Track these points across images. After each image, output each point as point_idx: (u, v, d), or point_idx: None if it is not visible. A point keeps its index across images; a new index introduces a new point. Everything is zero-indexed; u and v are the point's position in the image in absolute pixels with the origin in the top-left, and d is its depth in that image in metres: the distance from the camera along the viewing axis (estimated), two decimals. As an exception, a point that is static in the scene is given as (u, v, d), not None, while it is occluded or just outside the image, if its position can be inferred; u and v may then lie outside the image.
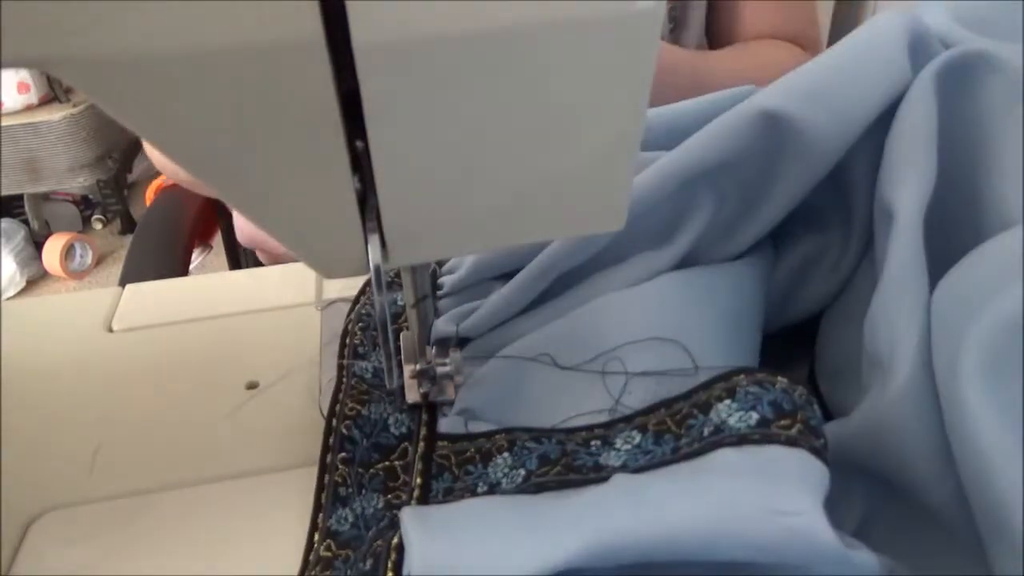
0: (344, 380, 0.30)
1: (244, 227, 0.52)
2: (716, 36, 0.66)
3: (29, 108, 1.70)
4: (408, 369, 0.29)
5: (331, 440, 0.27)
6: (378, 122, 0.17)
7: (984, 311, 0.21)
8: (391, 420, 0.28)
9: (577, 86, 0.18)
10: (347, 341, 0.32)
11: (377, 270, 0.21)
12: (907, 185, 0.25)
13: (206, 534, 0.26)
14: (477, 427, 0.27)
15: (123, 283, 0.42)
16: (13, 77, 1.65)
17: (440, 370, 0.28)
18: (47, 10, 0.14)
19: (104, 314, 0.39)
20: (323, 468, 0.26)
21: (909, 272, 0.24)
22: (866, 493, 0.25)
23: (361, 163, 0.18)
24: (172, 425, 0.31)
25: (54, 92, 1.73)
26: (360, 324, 0.33)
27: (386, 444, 0.27)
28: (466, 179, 0.20)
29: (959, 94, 0.27)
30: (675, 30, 0.64)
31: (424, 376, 0.29)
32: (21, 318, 0.39)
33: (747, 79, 0.37)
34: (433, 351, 0.29)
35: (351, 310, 0.34)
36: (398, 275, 0.35)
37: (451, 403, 0.29)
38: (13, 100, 1.67)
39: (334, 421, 0.28)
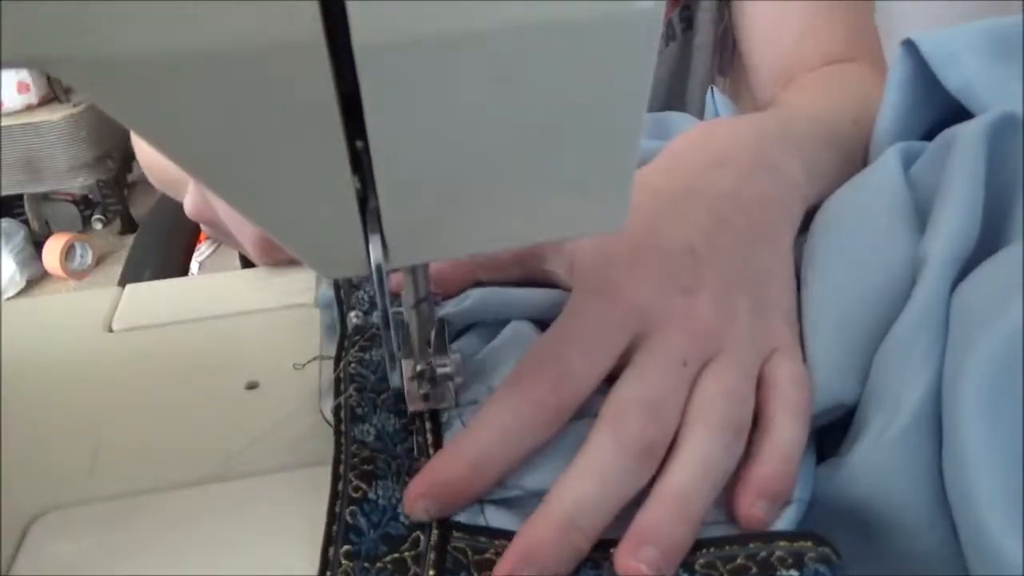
0: (343, 451, 0.27)
1: (198, 201, 0.43)
2: (755, 67, 0.56)
3: (29, 108, 1.70)
4: (408, 369, 0.29)
5: (334, 529, 0.24)
6: (378, 122, 0.17)
7: (985, 330, 0.22)
8: (400, 508, 0.25)
9: (577, 86, 0.18)
10: (342, 402, 0.30)
11: (378, 270, 0.21)
12: (942, 236, 0.26)
13: (206, 534, 0.26)
14: (495, 518, 0.25)
15: (124, 279, 0.42)
16: (13, 77, 1.66)
17: (440, 371, 0.28)
18: (47, 10, 0.14)
19: (104, 314, 0.39)
20: (325, 564, 0.23)
21: (928, 318, 0.24)
22: (843, 540, 0.25)
23: (361, 163, 0.18)
24: (172, 425, 0.31)
25: (54, 92, 1.73)
26: (355, 385, 0.30)
27: (396, 535, 0.24)
28: (466, 179, 0.20)
29: (998, 150, 0.28)
30: (687, 31, 0.62)
31: (424, 377, 0.28)
32: (21, 318, 0.39)
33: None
34: (431, 352, 0.29)
35: (336, 365, 0.32)
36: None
37: (451, 408, 0.29)
38: (13, 100, 1.67)
39: (337, 505, 0.25)
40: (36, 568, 0.25)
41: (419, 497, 0.24)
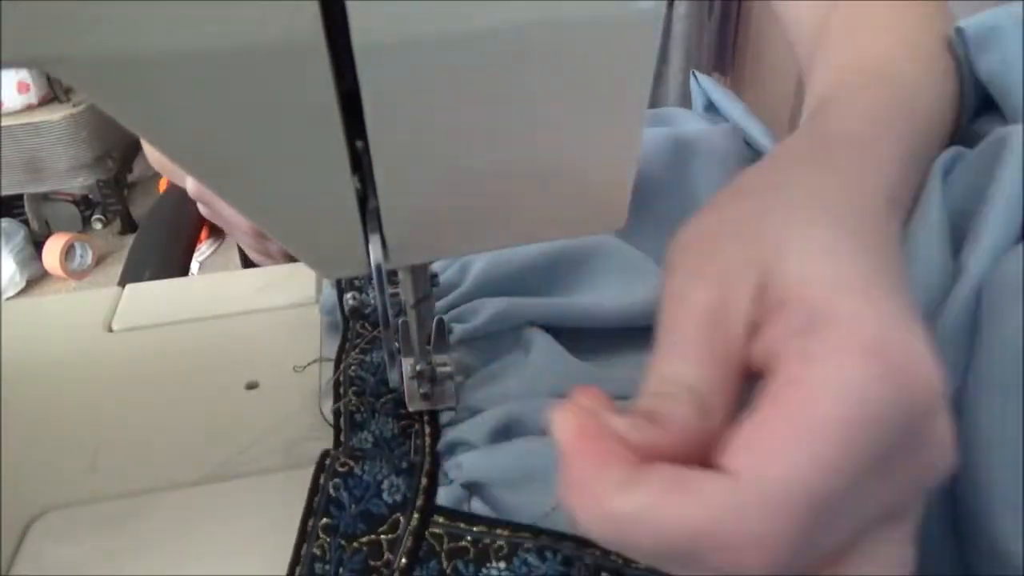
0: (341, 443, 0.28)
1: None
2: (793, 29, 0.49)
3: (29, 108, 1.70)
4: (408, 368, 0.29)
5: (315, 500, 0.24)
6: (378, 122, 0.17)
7: (995, 331, 0.22)
8: (385, 484, 0.25)
9: (577, 86, 0.18)
10: (342, 407, 0.30)
11: (379, 270, 0.21)
12: (980, 250, 0.26)
13: (206, 534, 0.26)
14: (479, 509, 0.25)
15: (124, 279, 0.42)
16: (13, 77, 1.65)
17: (440, 370, 0.28)
18: (47, 10, 0.14)
19: (104, 314, 0.39)
20: (302, 535, 0.23)
21: (958, 331, 0.24)
22: None
23: (361, 163, 0.18)
24: (172, 425, 0.31)
25: (54, 92, 1.73)
26: (354, 388, 0.31)
27: (376, 513, 0.24)
28: (466, 179, 0.20)
29: None
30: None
31: (424, 376, 0.29)
32: (21, 318, 0.39)
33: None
34: (431, 351, 0.29)
35: (336, 368, 0.32)
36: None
37: (452, 409, 0.29)
38: (13, 100, 1.67)
39: (322, 477, 0.25)
40: (36, 568, 0.25)
41: None
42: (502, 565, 0.23)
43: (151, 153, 0.62)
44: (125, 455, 0.30)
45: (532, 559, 0.23)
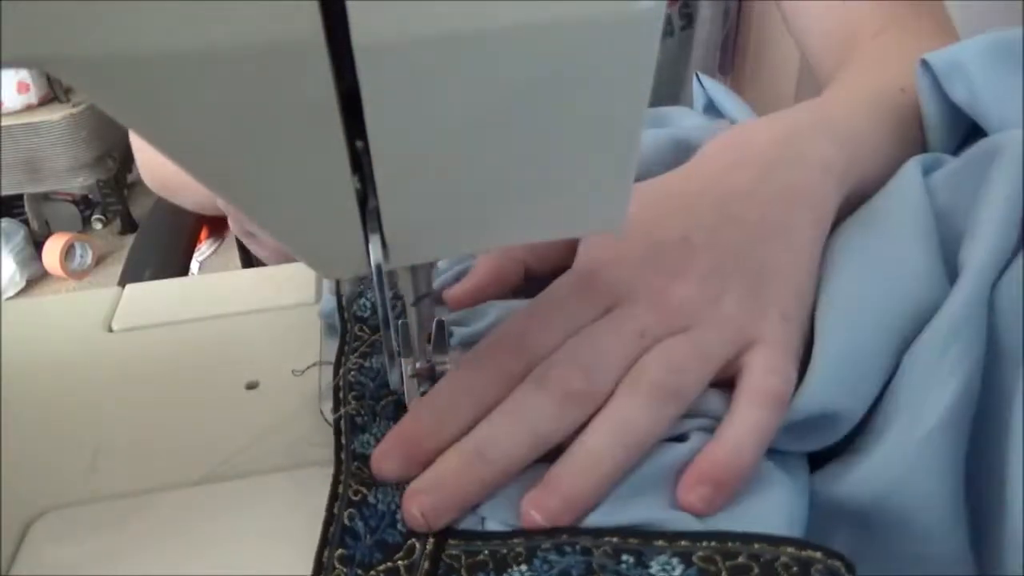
0: (344, 466, 0.27)
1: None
2: (813, 47, 0.53)
3: (29, 108, 1.70)
4: (408, 367, 0.29)
5: (331, 531, 0.24)
6: (378, 122, 0.17)
7: None
8: (400, 514, 0.25)
9: (577, 86, 0.18)
10: (343, 415, 0.29)
11: (378, 270, 0.21)
12: (981, 245, 0.26)
13: (206, 534, 0.26)
14: (494, 526, 0.25)
15: (124, 279, 0.42)
16: (13, 77, 1.65)
17: (440, 369, 0.28)
18: (47, 10, 0.14)
19: (104, 314, 0.39)
20: (319, 565, 0.23)
21: (965, 325, 0.24)
22: (845, 538, 0.24)
23: (361, 163, 0.18)
24: (172, 425, 0.31)
25: (54, 92, 1.73)
26: (353, 393, 0.30)
27: (392, 542, 0.24)
28: (466, 179, 0.20)
29: None
30: (687, 28, 0.63)
31: (424, 376, 0.29)
32: (21, 318, 0.39)
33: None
34: (431, 350, 0.29)
35: (335, 373, 0.32)
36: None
37: None
38: (13, 100, 1.67)
39: (336, 507, 0.25)
40: (36, 568, 0.25)
41: (386, 456, 0.25)
42: (524, 568, 0.23)
43: (145, 174, 0.62)
44: (125, 455, 0.30)
45: (552, 556, 0.23)
